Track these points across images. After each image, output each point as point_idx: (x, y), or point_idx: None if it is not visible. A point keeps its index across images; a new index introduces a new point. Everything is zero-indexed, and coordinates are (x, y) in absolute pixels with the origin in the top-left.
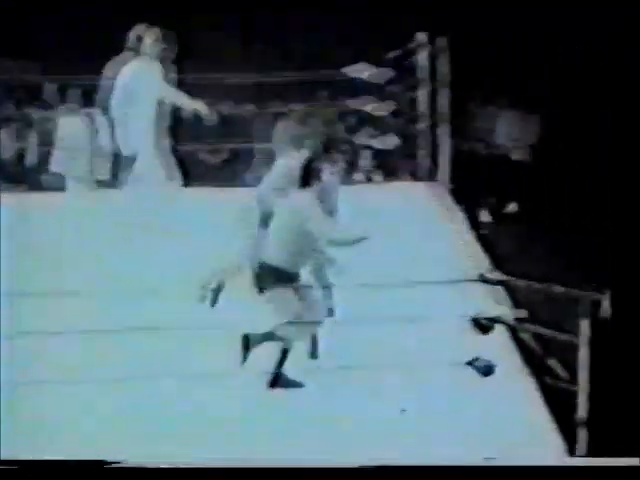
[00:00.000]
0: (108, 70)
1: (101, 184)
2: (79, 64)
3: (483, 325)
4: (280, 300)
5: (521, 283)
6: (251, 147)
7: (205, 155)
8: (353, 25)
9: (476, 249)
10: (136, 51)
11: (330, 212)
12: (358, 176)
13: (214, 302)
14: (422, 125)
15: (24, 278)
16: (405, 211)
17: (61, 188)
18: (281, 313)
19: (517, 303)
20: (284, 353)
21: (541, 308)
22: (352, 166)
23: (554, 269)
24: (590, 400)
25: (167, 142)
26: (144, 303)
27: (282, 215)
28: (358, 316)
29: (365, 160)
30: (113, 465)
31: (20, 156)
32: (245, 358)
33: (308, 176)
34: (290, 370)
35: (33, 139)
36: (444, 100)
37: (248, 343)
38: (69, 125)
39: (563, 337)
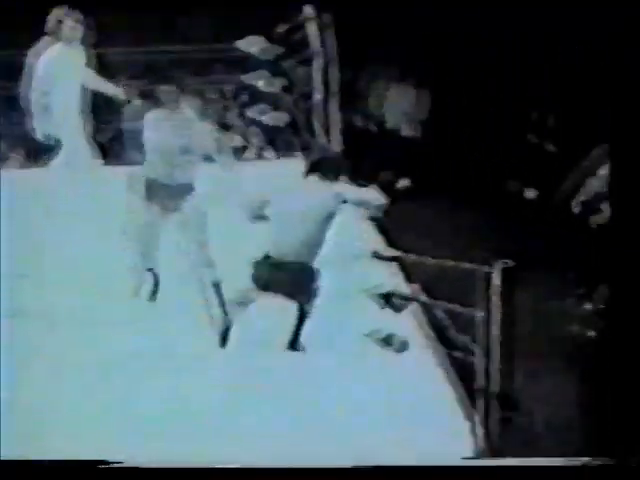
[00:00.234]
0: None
1: None
2: None
3: (395, 304)
4: None
5: (414, 258)
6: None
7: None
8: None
9: (368, 226)
10: (56, 35)
11: None
12: (249, 153)
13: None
14: (317, 97)
15: None
16: None
17: None
18: None
19: (410, 278)
20: (301, 318)
21: (438, 283)
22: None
23: (449, 245)
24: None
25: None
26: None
27: None
28: None
29: (257, 137)
30: (113, 465)
31: None
32: None
33: None
34: None
35: None
36: (334, 74)
37: None
38: None
39: (467, 311)
